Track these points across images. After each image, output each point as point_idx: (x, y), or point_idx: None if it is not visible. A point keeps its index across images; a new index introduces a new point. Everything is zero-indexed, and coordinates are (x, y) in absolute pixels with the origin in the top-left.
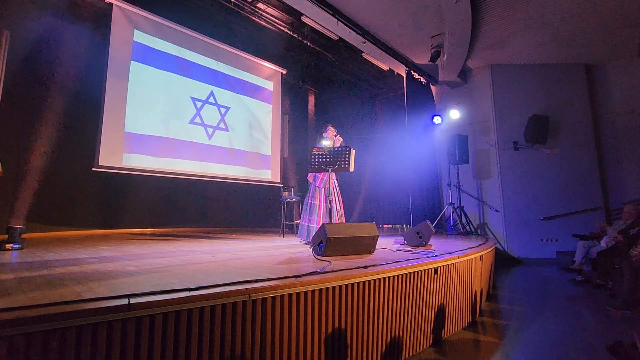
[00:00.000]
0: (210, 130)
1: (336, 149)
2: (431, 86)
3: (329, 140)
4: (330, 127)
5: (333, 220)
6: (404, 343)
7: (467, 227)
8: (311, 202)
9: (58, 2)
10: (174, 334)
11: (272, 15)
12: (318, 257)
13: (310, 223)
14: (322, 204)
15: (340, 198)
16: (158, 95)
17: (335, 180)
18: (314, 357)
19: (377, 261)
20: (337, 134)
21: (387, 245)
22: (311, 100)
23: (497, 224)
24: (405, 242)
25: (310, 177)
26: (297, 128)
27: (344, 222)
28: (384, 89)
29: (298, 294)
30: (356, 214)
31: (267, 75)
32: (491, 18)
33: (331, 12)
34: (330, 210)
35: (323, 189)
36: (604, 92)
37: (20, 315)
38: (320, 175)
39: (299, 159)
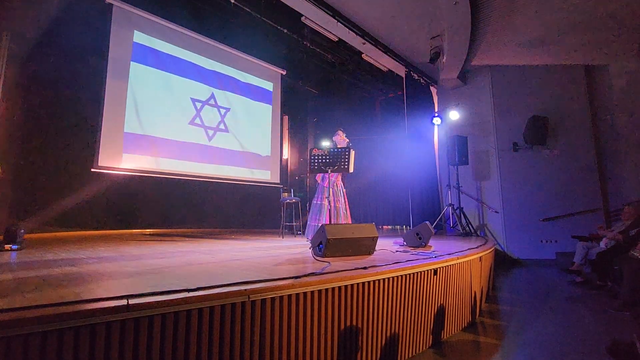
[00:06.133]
0: (210, 131)
1: (336, 150)
2: (431, 87)
3: (339, 144)
4: (340, 131)
5: (339, 221)
6: (403, 344)
7: (467, 228)
8: (319, 203)
9: (58, 2)
10: (172, 335)
11: (272, 16)
12: (317, 258)
13: (319, 223)
14: (329, 205)
15: (346, 200)
16: (158, 96)
17: (341, 182)
18: (314, 358)
19: (377, 262)
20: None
21: (387, 246)
22: (310, 101)
23: (497, 225)
24: (405, 243)
25: (319, 177)
26: (297, 129)
27: (350, 223)
28: (383, 90)
29: (297, 295)
30: (355, 214)
31: (266, 76)
32: (490, 19)
33: (331, 13)
34: (337, 210)
35: (331, 190)
36: (603, 93)
37: (19, 316)
38: (327, 175)
39: (299, 160)
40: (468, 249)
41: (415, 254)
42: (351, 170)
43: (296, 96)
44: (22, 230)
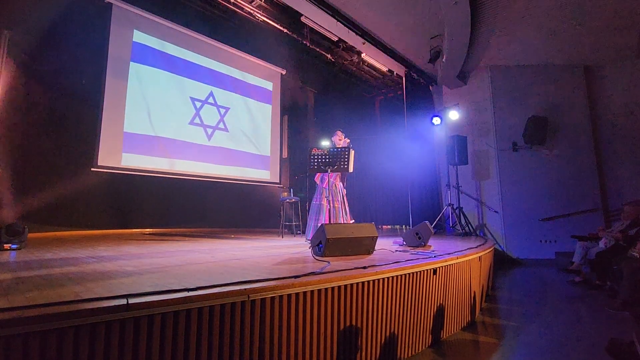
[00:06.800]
0: (209, 130)
1: (335, 150)
2: (430, 87)
3: (338, 144)
4: (339, 131)
5: (338, 222)
6: (403, 344)
7: (466, 228)
8: (319, 203)
9: (58, 2)
10: (172, 334)
11: (271, 16)
12: (317, 257)
13: (318, 223)
14: (328, 205)
15: (346, 200)
16: (157, 95)
17: (341, 183)
18: (313, 357)
19: (376, 262)
20: (345, 136)
21: (386, 245)
22: (310, 100)
23: (496, 225)
24: (405, 243)
25: (317, 178)
26: (297, 128)
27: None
28: (383, 90)
29: (297, 294)
30: (355, 214)
31: (266, 75)
32: (490, 19)
33: (330, 13)
34: (335, 210)
35: (330, 190)
36: (602, 93)
37: (18, 315)
38: (327, 177)
39: (299, 160)
40: (467, 249)
41: (414, 254)
42: (351, 170)
43: (296, 96)
44: (26, 229)
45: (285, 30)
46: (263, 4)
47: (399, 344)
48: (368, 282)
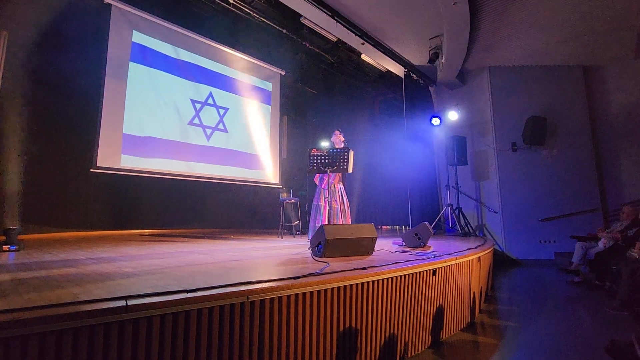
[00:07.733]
0: (208, 131)
1: (335, 151)
2: (430, 87)
3: (337, 144)
4: (337, 131)
5: (337, 222)
6: (402, 344)
7: (466, 229)
8: (317, 204)
9: (57, 2)
10: (171, 336)
11: (271, 17)
12: (317, 258)
13: (317, 224)
14: (327, 205)
15: (346, 201)
16: (157, 96)
17: (340, 184)
18: (313, 358)
19: (376, 262)
20: (344, 137)
21: (386, 246)
22: (310, 101)
23: (496, 225)
24: (404, 244)
25: (316, 179)
26: (296, 129)
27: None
28: (382, 90)
29: (296, 295)
30: (354, 215)
31: (266, 76)
32: (489, 20)
33: (330, 14)
34: (334, 211)
35: (329, 191)
36: (601, 93)
37: (17, 317)
38: (325, 178)
39: (298, 160)
40: (467, 249)
41: (414, 254)
42: (350, 170)
43: (295, 96)
44: (17, 229)
45: (284, 31)
46: (263, 4)
47: (398, 345)
48: (367, 283)
